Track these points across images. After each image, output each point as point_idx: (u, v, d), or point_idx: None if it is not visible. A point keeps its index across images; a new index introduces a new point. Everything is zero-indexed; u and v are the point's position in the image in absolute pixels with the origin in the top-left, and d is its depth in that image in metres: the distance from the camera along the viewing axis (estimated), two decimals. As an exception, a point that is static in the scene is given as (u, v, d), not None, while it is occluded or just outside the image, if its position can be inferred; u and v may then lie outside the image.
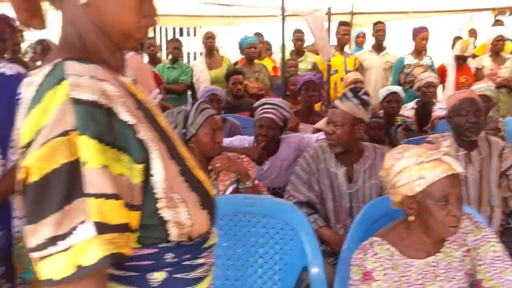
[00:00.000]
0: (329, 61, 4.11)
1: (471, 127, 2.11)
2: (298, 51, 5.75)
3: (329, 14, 4.25)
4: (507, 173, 2.15)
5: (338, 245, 1.96)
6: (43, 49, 4.44)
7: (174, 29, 9.68)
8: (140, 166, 0.76)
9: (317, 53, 6.08)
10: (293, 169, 2.70)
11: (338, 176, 2.13)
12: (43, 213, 0.69)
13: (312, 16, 3.98)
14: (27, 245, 0.71)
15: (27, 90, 0.80)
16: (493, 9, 6.69)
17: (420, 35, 4.56)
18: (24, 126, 0.75)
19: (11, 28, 2.05)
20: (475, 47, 6.00)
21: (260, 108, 2.65)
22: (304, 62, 5.65)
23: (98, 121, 0.72)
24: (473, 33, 6.55)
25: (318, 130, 3.25)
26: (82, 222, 0.68)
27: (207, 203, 0.87)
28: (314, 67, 5.45)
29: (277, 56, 6.80)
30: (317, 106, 4.22)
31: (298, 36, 5.74)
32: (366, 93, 2.15)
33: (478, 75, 4.41)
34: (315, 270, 1.55)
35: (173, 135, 0.89)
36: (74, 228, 0.68)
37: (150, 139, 0.78)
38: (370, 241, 1.39)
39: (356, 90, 2.15)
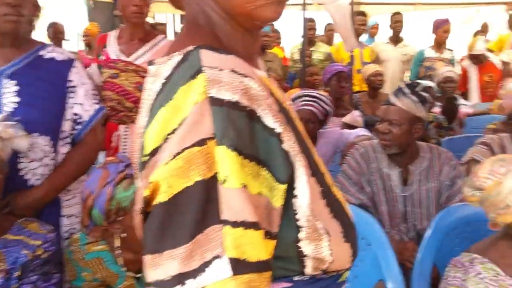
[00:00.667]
0: (352, 52, 3.92)
1: None
2: (310, 41, 5.53)
3: (352, 3, 4.04)
4: None
5: (399, 252, 1.80)
6: (54, 32, 4.17)
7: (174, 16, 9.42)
8: (283, 186, 0.58)
9: (328, 43, 5.90)
10: (332, 166, 2.55)
11: (392, 178, 1.95)
12: (171, 243, 0.53)
13: (335, 5, 3.77)
14: (146, 277, 0.56)
15: (151, 81, 0.63)
16: (506, 3, 6.55)
17: (442, 28, 4.38)
18: (149, 128, 0.58)
19: (36, 8, 1.85)
20: (487, 41, 5.86)
21: (298, 100, 2.46)
22: (316, 52, 5.45)
23: (239, 127, 0.55)
24: (484, 27, 6.42)
25: (346, 125, 3.09)
26: (217, 257, 0.52)
27: (350, 233, 0.69)
28: (329, 57, 5.27)
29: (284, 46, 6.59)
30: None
31: (310, 25, 5.51)
32: (425, 89, 1.97)
33: (506, 71, 4.25)
34: (392, 285, 1.39)
35: (309, 142, 0.71)
36: (206, 264, 0.52)
37: (296, 151, 0.61)
38: (469, 258, 1.22)
39: (414, 85, 1.97)
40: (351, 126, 2.99)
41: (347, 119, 3.12)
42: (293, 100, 2.52)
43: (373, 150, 2.01)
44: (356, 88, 4.75)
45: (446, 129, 3.25)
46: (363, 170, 1.98)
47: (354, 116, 3.08)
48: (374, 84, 3.88)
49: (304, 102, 2.43)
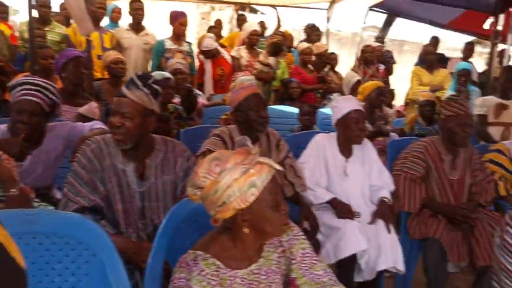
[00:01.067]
0: (89, 36, 3.58)
1: (263, 121, 2.15)
2: (45, 20, 4.85)
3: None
4: (284, 162, 2.29)
5: (134, 253, 1.69)
6: None
7: None
8: None
9: (66, 24, 5.31)
10: (59, 161, 2.25)
11: (127, 173, 1.82)
12: None
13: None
14: None
15: None
16: (235, 3, 7.24)
17: (179, 20, 4.47)
18: None
19: None
20: (221, 37, 6.37)
21: (18, 89, 2.05)
22: (52, 32, 4.82)
23: None
24: (218, 24, 6.96)
25: (83, 116, 2.79)
26: None
27: (14, 283, 0.55)
28: (66, 39, 4.74)
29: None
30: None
31: (43, 2, 4.84)
32: (156, 82, 1.90)
33: (235, 65, 4.64)
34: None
35: None
36: None
37: None
38: (193, 255, 1.20)
39: (146, 77, 1.86)
40: (88, 118, 2.72)
41: (83, 110, 2.83)
42: (11, 88, 2.09)
43: (106, 145, 1.83)
44: (98, 75, 4.43)
45: (186, 120, 3.34)
46: (96, 168, 1.79)
47: (92, 107, 2.82)
48: (115, 71, 3.68)
49: (25, 92, 2.04)
